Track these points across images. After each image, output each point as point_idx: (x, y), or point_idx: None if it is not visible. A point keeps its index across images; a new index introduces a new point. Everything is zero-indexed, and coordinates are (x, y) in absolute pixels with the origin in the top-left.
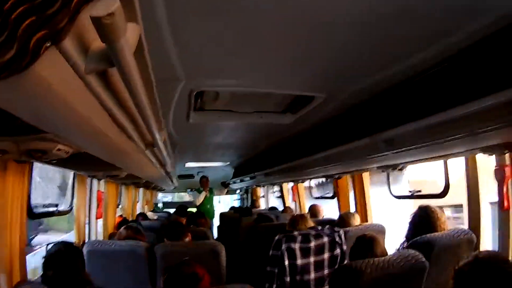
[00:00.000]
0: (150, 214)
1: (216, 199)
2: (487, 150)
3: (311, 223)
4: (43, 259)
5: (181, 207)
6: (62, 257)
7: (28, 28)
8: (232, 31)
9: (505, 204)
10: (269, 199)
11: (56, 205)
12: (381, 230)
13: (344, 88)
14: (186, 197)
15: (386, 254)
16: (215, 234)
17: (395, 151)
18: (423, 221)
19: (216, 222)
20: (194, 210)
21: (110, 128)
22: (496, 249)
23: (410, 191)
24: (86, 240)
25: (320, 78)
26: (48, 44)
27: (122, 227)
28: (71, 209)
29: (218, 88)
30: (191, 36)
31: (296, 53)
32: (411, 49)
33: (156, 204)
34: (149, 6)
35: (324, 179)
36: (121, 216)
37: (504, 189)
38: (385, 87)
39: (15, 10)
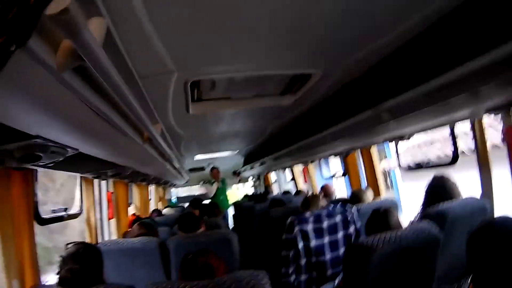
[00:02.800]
0: (166, 210)
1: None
2: (492, 110)
3: (323, 203)
4: (60, 258)
5: (195, 199)
6: (80, 258)
7: None
8: (220, 15)
9: None
10: (281, 183)
11: (65, 209)
12: (394, 205)
13: (340, 62)
14: (197, 191)
15: (401, 226)
16: (231, 223)
17: (398, 120)
18: (438, 190)
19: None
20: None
21: (102, 126)
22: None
23: (416, 163)
24: (99, 241)
25: (314, 54)
26: (13, 48)
27: (135, 225)
28: (81, 212)
29: (213, 76)
30: (175, 26)
31: (287, 31)
32: (404, 14)
33: (170, 200)
34: (126, 1)
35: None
36: (134, 214)
37: None
38: (381, 56)
39: None
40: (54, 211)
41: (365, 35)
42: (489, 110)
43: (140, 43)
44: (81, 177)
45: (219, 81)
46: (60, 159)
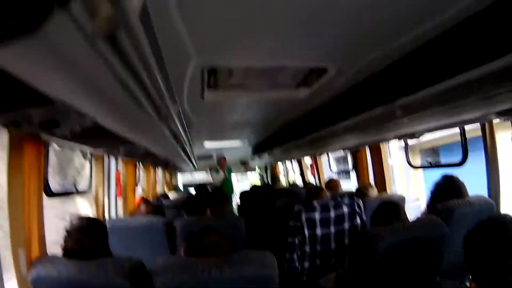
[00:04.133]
0: (172, 194)
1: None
2: (502, 114)
3: (327, 196)
4: (66, 232)
5: (201, 186)
6: (86, 230)
7: None
8: (241, 5)
9: None
10: (289, 175)
11: (74, 184)
12: (401, 200)
13: (357, 58)
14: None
15: (408, 221)
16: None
17: (409, 118)
18: (446, 189)
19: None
20: None
21: (123, 98)
22: None
23: (428, 161)
24: (106, 218)
25: (331, 49)
26: (55, 7)
27: (142, 203)
28: (90, 188)
29: (231, 64)
30: (199, 12)
31: (307, 24)
32: (423, 16)
33: (176, 186)
34: None
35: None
36: (142, 197)
37: None
38: (398, 56)
39: None
40: (63, 186)
41: (382, 35)
42: (500, 114)
43: (166, 23)
44: (91, 154)
45: (236, 70)
46: (78, 128)
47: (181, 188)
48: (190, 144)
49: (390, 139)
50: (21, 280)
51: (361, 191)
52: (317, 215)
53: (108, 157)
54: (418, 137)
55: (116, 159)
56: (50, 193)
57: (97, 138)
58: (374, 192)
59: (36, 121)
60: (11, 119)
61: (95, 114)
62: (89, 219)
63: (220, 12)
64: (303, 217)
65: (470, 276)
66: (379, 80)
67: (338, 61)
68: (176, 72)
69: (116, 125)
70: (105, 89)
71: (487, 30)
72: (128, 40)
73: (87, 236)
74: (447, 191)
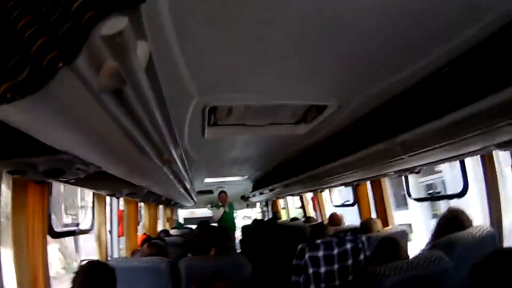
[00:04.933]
0: (173, 231)
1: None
2: (502, 146)
3: (330, 232)
4: (74, 275)
5: (203, 222)
6: (94, 275)
7: (40, 48)
8: (242, 44)
9: None
10: (290, 210)
11: (77, 224)
12: (404, 235)
13: (356, 95)
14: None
15: (408, 256)
16: (238, 247)
17: (411, 154)
18: (451, 223)
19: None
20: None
21: (127, 146)
22: None
23: (429, 193)
24: (109, 258)
25: (332, 87)
26: (61, 64)
27: (145, 244)
28: (93, 227)
29: (231, 103)
30: (201, 52)
31: (307, 63)
32: (421, 52)
33: (177, 221)
34: (157, 23)
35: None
36: (144, 234)
37: None
38: (398, 91)
39: (27, 30)
40: (66, 225)
41: (382, 71)
42: (500, 146)
43: (168, 68)
44: (94, 193)
45: (236, 108)
46: (82, 176)
47: (182, 222)
48: (190, 181)
49: (391, 174)
50: None
51: (366, 226)
52: (320, 253)
53: (111, 198)
54: (419, 172)
55: (118, 199)
56: (54, 234)
57: (101, 182)
58: (378, 226)
59: (41, 169)
60: (16, 167)
61: (100, 163)
62: (97, 263)
63: (223, 54)
64: (307, 255)
65: None
66: (379, 116)
67: (337, 98)
68: (178, 113)
69: (120, 171)
70: (109, 139)
71: (486, 65)
72: (133, 92)
73: (93, 280)
74: (451, 224)
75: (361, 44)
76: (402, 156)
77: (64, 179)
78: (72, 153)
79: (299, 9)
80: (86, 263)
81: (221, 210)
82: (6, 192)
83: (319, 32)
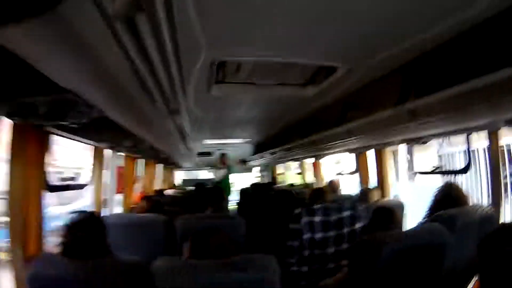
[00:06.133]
0: (171, 191)
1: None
2: (510, 122)
3: (330, 198)
4: (64, 227)
5: (200, 184)
6: (85, 226)
7: None
8: (254, 2)
9: None
10: (288, 176)
11: (73, 178)
12: (400, 206)
13: (366, 59)
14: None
15: (402, 226)
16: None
17: (416, 122)
18: (447, 197)
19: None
20: None
21: (134, 88)
22: None
23: (433, 167)
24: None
25: (343, 48)
26: None
27: (142, 199)
28: (90, 182)
29: (240, 58)
30: (213, 4)
31: (318, 22)
32: (434, 21)
33: (174, 184)
34: None
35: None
36: (142, 192)
37: None
38: (406, 59)
39: None
40: (63, 179)
41: (393, 36)
42: (509, 122)
43: (182, 16)
44: (94, 147)
45: (245, 64)
46: (84, 120)
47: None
48: (192, 140)
49: (396, 143)
50: (17, 277)
51: (364, 194)
52: (317, 218)
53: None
54: (425, 143)
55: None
56: (50, 188)
57: (102, 132)
58: (376, 196)
59: (42, 111)
60: (16, 109)
61: (104, 106)
62: (87, 214)
63: (234, 6)
64: (303, 220)
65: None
66: (387, 82)
67: (348, 61)
68: (186, 65)
69: (124, 118)
70: (117, 78)
71: (498, 38)
72: (147, 24)
73: (85, 232)
74: (448, 199)
75: (373, 9)
76: (408, 124)
77: (65, 124)
78: (75, 91)
79: None
80: (76, 215)
81: (223, 171)
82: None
83: None
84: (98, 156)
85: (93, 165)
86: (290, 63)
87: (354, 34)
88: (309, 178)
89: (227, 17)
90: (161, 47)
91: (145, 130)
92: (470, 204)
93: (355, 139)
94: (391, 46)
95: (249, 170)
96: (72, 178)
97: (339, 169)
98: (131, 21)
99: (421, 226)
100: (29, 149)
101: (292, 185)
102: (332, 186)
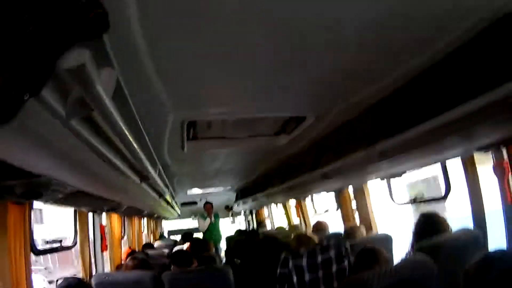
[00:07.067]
0: (157, 244)
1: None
2: (482, 148)
3: (315, 241)
4: None
5: (186, 234)
6: None
7: (5, 83)
8: (217, 60)
9: (509, 199)
10: (274, 218)
11: (60, 241)
12: (387, 239)
13: (334, 106)
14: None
15: (391, 263)
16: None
17: (390, 160)
18: (427, 226)
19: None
20: (200, 235)
21: (102, 167)
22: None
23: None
24: (93, 273)
25: (310, 99)
26: (27, 97)
27: (129, 258)
28: (75, 244)
29: (209, 117)
30: (175, 69)
31: (284, 77)
32: (396, 62)
33: (161, 234)
34: (130, 41)
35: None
36: (129, 247)
37: (505, 184)
38: (375, 100)
39: None
40: (48, 242)
41: (359, 82)
42: (480, 148)
43: (142, 84)
44: (75, 210)
45: (215, 122)
46: (60, 196)
47: (166, 235)
48: (172, 194)
49: (373, 179)
50: None
51: (349, 232)
52: (304, 262)
53: (93, 213)
54: (400, 176)
55: (100, 215)
56: (37, 252)
57: (80, 200)
58: (362, 232)
59: (18, 192)
60: None
61: (76, 184)
62: (74, 280)
63: (197, 68)
64: (290, 264)
65: None
66: (358, 124)
67: (316, 109)
68: (156, 128)
69: (99, 191)
70: (83, 162)
71: (462, 71)
72: (103, 117)
73: None
74: (429, 229)
75: (338, 58)
76: (382, 163)
77: (43, 200)
78: (48, 175)
79: (276, 22)
80: (64, 280)
81: (208, 220)
82: None
83: (296, 47)
84: (82, 217)
85: (78, 226)
86: (260, 117)
87: (320, 85)
88: (295, 219)
89: (191, 79)
90: (120, 132)
91: (121, 196)
92: (452, 229)
93: (333, 180)
94: (356, 93)
95: (237, 214)
96: (60, 241)
97: (327, 205)
98: (87, 117)
99: (405, 260)
100: (11, 219)
101: (280, 227)
102: (318, 227)
